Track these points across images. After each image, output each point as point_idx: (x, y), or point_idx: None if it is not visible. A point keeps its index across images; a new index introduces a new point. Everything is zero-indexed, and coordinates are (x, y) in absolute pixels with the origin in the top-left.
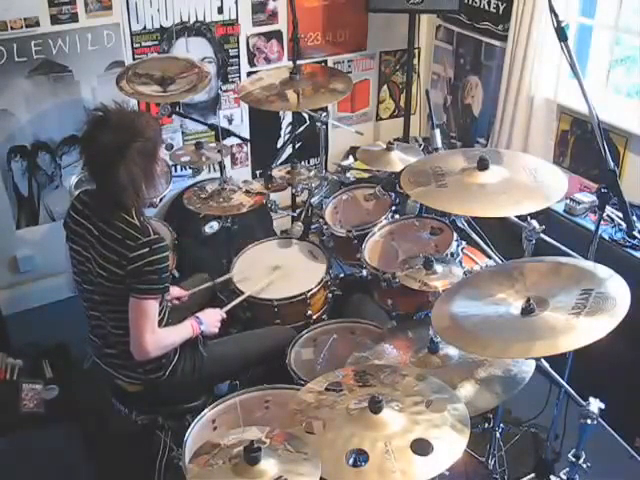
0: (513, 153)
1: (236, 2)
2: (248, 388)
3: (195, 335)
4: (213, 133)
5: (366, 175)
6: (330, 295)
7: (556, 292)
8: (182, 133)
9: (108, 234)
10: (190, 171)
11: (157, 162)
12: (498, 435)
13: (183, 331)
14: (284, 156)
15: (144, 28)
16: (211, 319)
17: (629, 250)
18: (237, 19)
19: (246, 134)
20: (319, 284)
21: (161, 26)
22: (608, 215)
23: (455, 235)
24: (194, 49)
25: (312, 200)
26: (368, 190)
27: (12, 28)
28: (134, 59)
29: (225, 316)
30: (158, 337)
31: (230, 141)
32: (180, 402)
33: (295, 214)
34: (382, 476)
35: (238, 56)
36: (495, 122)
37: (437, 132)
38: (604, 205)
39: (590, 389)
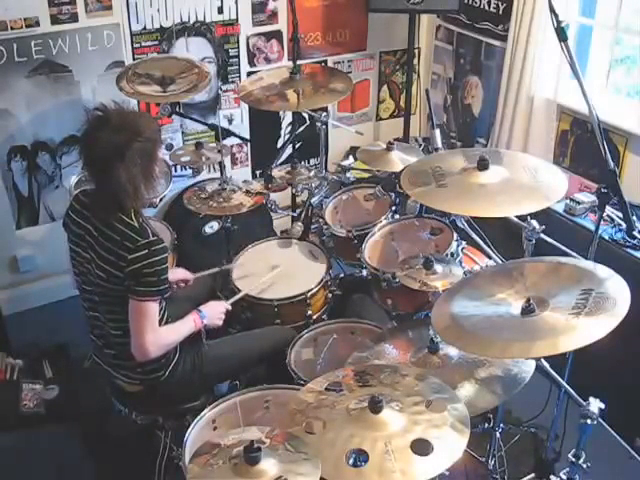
0: (513, 153)
1: (236, 2)
2: (248, 388)
3: (198, 329)
4: (213, 133)
5: (366, 175)
6: (330, 295)
7: (556, 292)
8: (182, 133)
9: (107, 236)
10: (190, 171)
11: (156, 162)
12: (498, 435)
13: (185, 327)
14: (284, 156)
15: (144, 28)
16: (214, 311)
17: (629, 250)
18: (237, 19)
19: (246, 134)
20: (319, 284)
21: (161, 26)
22: (608, 215)
23: (455, 235)
24: (194, 49)
25: (312, 200)
26: (368, 190)
27: (12, 28)
28: (134, 59)
29: (230, 308)
30: (159, 336)
31: (230, 141)
32: (180, 402)
33: (295, 214)
34: (382, 476)
35: (238, 56)
36: (495, 122)
37: (437, 132)
38: (604, 205)
39: (590, 389)
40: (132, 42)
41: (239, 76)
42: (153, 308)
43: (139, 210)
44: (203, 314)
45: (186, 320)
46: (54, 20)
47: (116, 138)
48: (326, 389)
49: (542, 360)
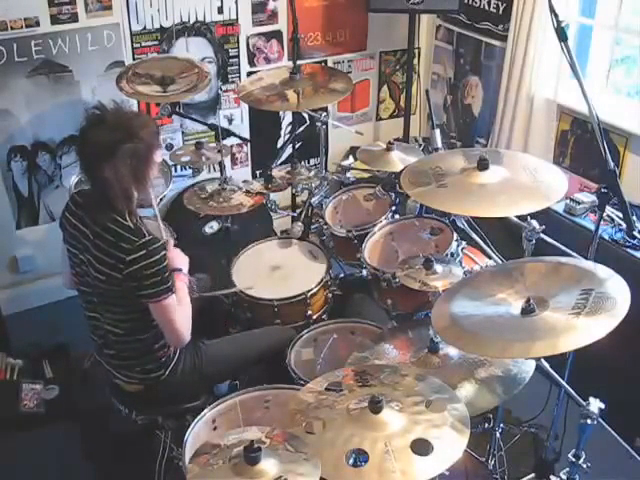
0: (513, 153)
1: (236, 2)
2: (248, 388)
3: (189, 284)
4: (213, 133)
5: (366, 175)
6: (330, 295)
7: (556, 292)
8: (182, 133)
9: (102, 237)
10: (190, 171)
11: (150, 165)
12: (498, 435)
13: (184, 293)
14: (284, 156)
15: (144, 28)
16: (178, 257)
17: (629, 250)
18: (237, 19)
19: (246, 134)
20: (319, 284)
21: (161, 26)
22: (608, 215)
23: (455, 235)
24: (194, 49)
25: (312, 200)
26: (368, 190)
27: (12, 28)
28: (134, 59)
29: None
30: (184, 321)
31: (230, 141)
32: (180, 402)
33: (295, 214)
34: (382, 476)
35: (238, 56)
36: (495, 122)
37: (437, 132)
38: (604, 205)
39: (590, 389)
40: (132, 42)
41: (239, 76)
42: (171, 302)
43: (133, 211)
44: (180, 269)
45: (179, 287)
46: (54, 20)
47: (108, 137)
48: (326, 389)
49: (542, 360)
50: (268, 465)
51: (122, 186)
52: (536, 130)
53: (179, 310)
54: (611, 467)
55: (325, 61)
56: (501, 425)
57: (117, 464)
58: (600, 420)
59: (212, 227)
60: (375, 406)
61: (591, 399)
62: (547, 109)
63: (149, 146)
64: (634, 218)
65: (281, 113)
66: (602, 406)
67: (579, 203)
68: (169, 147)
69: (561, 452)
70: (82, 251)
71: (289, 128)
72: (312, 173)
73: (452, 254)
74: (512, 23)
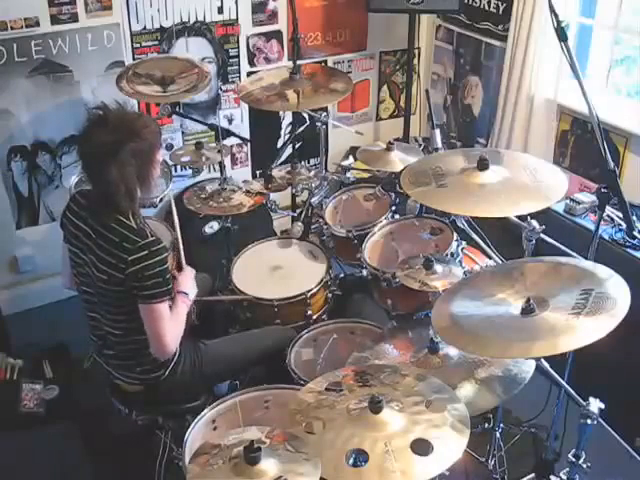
0: (513, 153)
1: (236, 2)
2: (248, 388)
3: (190, 308)
4: (213, 133)
5: (366, 175)
6: (330, 295)
7: (556, 292)
8: (182, 133)
9: (105, 237)
10: (190, 171)
11: (153, 165)
12: (498, 435)
13: (182, 312)
14: (284, 156)
15: (144, 28)
16: (189, 283)
17: (629, 250)
18: (237, 19)
19: (246, 134)
20: (319, 284)
21: (161, 26)
22: (608, 215)
23: (455, 235)
24: (194, 49)
25: (312, 200)
26: (368, 190)
27: (12, 28)
28: (134, 59)
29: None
30: (173, 333)
31: (230, 141)
32: (180, 402)
33: (295, 214)
34: (382, 476)
35: (238, 56)
36: (495, 122)
37: (437, 132)
38: (604, 205)
39: (590, 389)
40: (132, 42)
41: (239, 76)
42: (165, 309)
43: (137, 211)
44: (187, 293)
45: (179, 305)
46: (54, 20)
47: (111, 137)
48: (326, 389)
49: (542, 360)
50: (268, 465)
51: (127, 186)
52: (536, 130)
53: (172, 322)
54: (611, 467)
55: (325, 61)
56: (501, 425)
57: (117, 464)
58: (600, 420)
59: (212, 227)
60: (375, 406)
61: (591, 399)
62: (547, 109)
63: (152, 146)
64: (634, 218)
65: (281, 113)
66: (602, 406)
67: (579, 203)
68: (169, 147)
69: (561, 452)
70: (84, 251)
71: (289, 128)
72: (312, 173)
73: (452, 254)
74: (512, 23)
